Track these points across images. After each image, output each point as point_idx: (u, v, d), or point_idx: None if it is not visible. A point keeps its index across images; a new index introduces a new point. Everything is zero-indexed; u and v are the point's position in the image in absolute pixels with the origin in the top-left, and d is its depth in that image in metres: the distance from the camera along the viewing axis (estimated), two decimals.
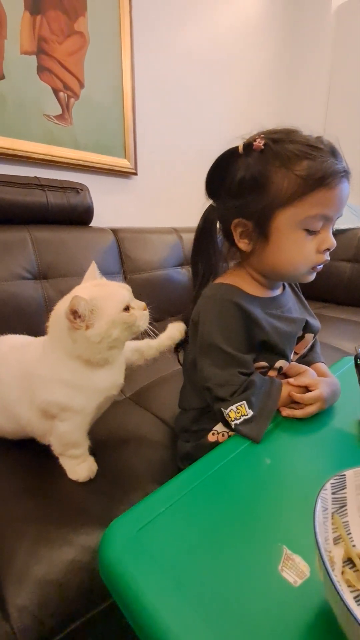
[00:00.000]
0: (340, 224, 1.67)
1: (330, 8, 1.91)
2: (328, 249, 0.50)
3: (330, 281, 1.65)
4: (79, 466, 0.58)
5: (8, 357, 0.60)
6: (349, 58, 1.92)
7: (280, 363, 0.56)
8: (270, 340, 0.52)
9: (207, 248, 0.59)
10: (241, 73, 1.85)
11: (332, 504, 0.28)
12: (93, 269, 0.60)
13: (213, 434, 0.55)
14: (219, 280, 0.57)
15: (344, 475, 0.29)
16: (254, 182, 0.48)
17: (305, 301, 0.66)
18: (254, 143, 0.47)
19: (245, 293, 0.54)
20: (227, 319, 0.51)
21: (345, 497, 0.29)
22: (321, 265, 0.52)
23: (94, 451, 0.61)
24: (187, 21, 1.55)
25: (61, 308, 0.52)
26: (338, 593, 0.20)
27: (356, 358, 0.50)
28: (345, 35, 1.92)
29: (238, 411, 0.48)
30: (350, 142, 2.00)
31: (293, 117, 2.20)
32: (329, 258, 0.51)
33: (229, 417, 0.48)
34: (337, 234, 1.78)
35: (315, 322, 0.62)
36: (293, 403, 0.53)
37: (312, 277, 0.54)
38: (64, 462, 0.59)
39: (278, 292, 0.60)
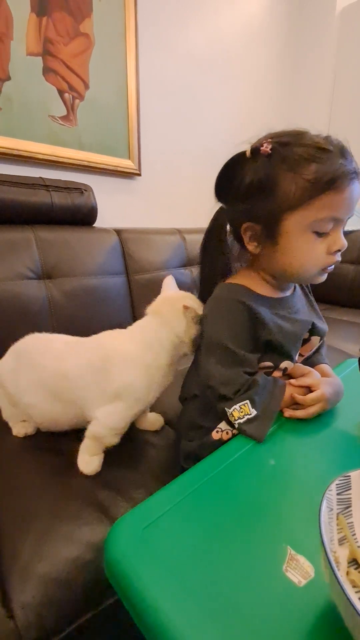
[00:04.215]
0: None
1: (335, 10, 1.91)
2: (339, 250, 0.50)
3: (333, 283, 1.64)
4: (93, 458, 0.61)
5: (75, 350, 0.64)
6: (353, 60, 1.92)
7: (285, 364, 0.56)
8: (275, 340, 0.52)
9: (215, 250, 0.59)
10: (245, 74, 1.85)
11: (337, 504, 0.28)
12: (171, 281, 0.71)
13: (217, 431, 0.55)
14: (228, 281, 0.57)
15: (349, 476, 0.29)
16: (261, 186, 0.48)
17: (315, 303, 0.66)
18: (261, 148, 0.47)
19: (253, 293, 0.54)
20: (233, 317, 0.52)
21: (350, 498, 0.29)
22: (332, 266, 0.52)
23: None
24: (192, 23, 1.55)
25: (174, 303, 0.60)
26: (345, 593, 0.20)
27: (359, 360, 0.50)
28: (350, 37, 1.92)
29: (242, 410, 0.48)
30: (355, 143, 1.99)
31: (297, 118, 2.20)
32: (339, 259, 0.51)
33: (233, 416, 0.48)
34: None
35: (322, 325, 0.62)
36: (295, 404, 0.53)
37: (323, 278, 0.54)
38: (84, 452, 0.61)
39: (288, 293, 0.60)
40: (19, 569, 0.44)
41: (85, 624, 0.44)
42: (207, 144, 1.70)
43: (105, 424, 0.59)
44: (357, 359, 0.52)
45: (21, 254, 0.96)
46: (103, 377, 0.59)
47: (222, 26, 1.68)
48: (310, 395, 0.51)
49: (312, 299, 0.66)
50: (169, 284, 0.70)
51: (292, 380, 0.55)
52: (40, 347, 0.66)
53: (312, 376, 0.56)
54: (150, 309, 0.64)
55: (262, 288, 0.55)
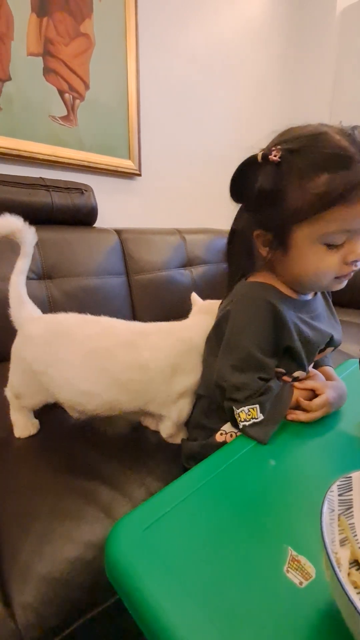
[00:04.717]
0: None
1: (335, 10, 1.91)
2: (356, 260, 0.46)
3: None
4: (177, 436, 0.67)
5: (154, 342, 0.63)
6: (354, 61, 1.92)
7: (298, 373, 0.55)
8: (295, 347, 0.51)
9: (240, 249, 0.55)
10: (245, 75, 1.85)
11: (339, 505, 0.28)
12: (195, 298, 0.75)
13: (221, 434, 0.55)
14: (253, 279, 0.54)
15: (350, 477, 0.29)
16: (270, 194, 0.45)
17: (334, 309, 0.64)
18: (270, 156, 0.44)
19: (280, 292, 0.52)
20: (260, 319, 0.50)
21: (352, 499, 0.29)
22: (351, 273, 0.49)
23: (99, 449, 0.61)
24: (192, 23, 1.55)
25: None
26: (346, 594, 0.20)
27: None
28: (350, 38, 1.92)
29: (249, 413, 0.47)
30: None
31: (298, 119, 2.19)
32: (358, 267, 0.48)
33: (239, 417, 0.48)
34: None
35: (338, 336, 0.60)
36: (299, 407, 0.52)
37: (342, 285, 0.51)
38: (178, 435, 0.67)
39: (310, 296, 0.58)
40: (19, 569, 0.44)
41: (86, 624, 0.44)
42: (208, 145, 1.70)
43: (179, 422, 0.64)
44: (357, 360, 0.52)
45: None
46: (179, 373, 0.61)
47: (222, 27, 1.68)
48: (315, 401, 0.51)
49: (331, 303, 0.64)
50: (197, 297, 0.75)
51: (296, 384, 0.54)
52: (98, 332, 0.62)
53: (316, 379, 0.56)
54: (198, 309, 0.69)
55: (285, 288, 0.53)
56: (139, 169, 1.45)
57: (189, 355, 0.62)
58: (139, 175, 1.46)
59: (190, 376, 0.62)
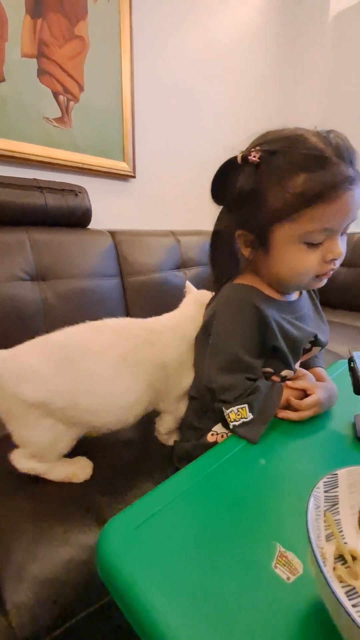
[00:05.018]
0: None
1: (329, 15, 1.94)
2: (334, 259, 0.48)
3: (325, 285, 1.66)
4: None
5: (167, 340, 0.63)
6: (346, 64, 1.95)
7: (285, 372, 0.56)
8: (280, 347, 0.52)
9: (223, 250, 0.56)
10: (239, 78, 1.87)
11: (325, 502, 0.29)
12: (190, 285, 0.79)
13: (212, 434, 0.56)
14: (237, 281, 0.56)
15: (336, 474, 0.30)
16: (251, 195, 0.46)
17: (320, 309, 0.65)
18: (249, 157, 0.45)
19: (263, 294, 0.53)
20: (245, 321, 0.51)
21: (337, 495, 0.30)
22: (330, 272, 0.51)
23: (92, 451, 0.61)
24: (187, 27, 1.56)
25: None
26: (329, 586, 0.21)
27: (350, 361, 0.51)
28: (343, 42, 1.95)
29: (239, 413, 0.48)
30: None
31: (291, 122, 2.21)
32: (336, 266, 0.50)
33: (229, 417, 0.49)
34: None
35: (324, 336, 0.61)
36: (290, 406, 0.53)
37: (321, 283, 0.53)
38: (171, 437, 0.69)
39: (294, 297, 0.59)
40: (13, 570, 0.44)
41: (78, 623, 0.44)
42: (202, 147, 1.71)
43: (175, 423, 0.66)
44: (347, 360, 0.53)
45: (15, 255, 0.96)
46: (186, 369, 0.64)
47: (216, 30, 1.69)
48: (306, 400, 0.52)
49: (318, 303, 0.65)
50: (191, 286, 0.79)
51: (288, 383, 0.55)
52: (116, 338, 0.58)
53: (307, 379, 0.57)
54: (193, 298, 0.72)
55: (269, 290, 0.54)
56: (133, 171, 1.45)
57: (192, 352, 0.65)
58: (133, 177, 1.47)
59: (192, 371, 0.65)
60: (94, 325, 0.60)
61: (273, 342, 0.51)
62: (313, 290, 0.65)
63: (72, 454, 0.59)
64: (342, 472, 0.30)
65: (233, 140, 0.48)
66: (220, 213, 0.55)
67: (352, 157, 0.43)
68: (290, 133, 0.46)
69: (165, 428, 0.67)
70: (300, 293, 0.61)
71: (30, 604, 0.41)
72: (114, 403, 0.55)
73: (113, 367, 0.55)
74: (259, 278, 0.55)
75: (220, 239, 0.56)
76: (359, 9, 1.89)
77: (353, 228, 1.68)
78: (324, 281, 0.53)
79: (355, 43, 1.91)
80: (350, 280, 1.60)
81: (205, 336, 0.58)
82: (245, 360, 0.50)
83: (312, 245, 0.47)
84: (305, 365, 0.64)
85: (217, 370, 0.52)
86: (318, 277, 0.51)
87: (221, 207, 0.55)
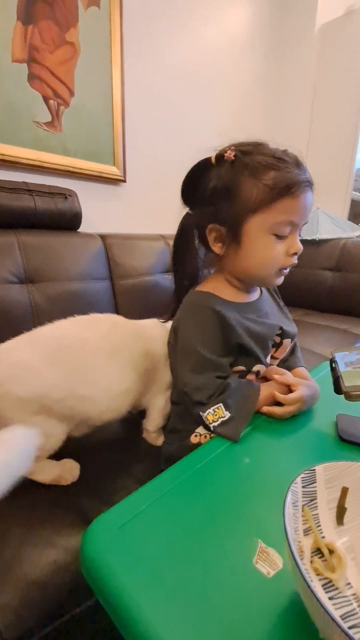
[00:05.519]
0: (323, 234, 1.72)
1: (315, 27, 1.99)
2: (295, 253, 0.53)
3: (313, 289, 1.70)
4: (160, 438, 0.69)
5: (151, 332, 0.65)
6: (332, 74, 2.00)
7: (257, 367, 0.58)
8: (245, 344, 0.55)
9: (185, 256, 0.61)
10: (228, 87, 1.90)
11: (303, 497, 0.30)
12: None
13: (195, 435, 0.57)
14: (197, 288, 0.59)
15: (314, 470, 0.31)
16: (225, 190, 0.51)
17: (284, 306, 0.69)
18: (225, 154, 0.51)
19: (221, 299, 0.56)
20: (204, 323, 0.54)
21: (316, 490, 0.31)
22: (287, 269, 0.55)
23: (78, 453, 0.61)
24: (177, 36, 1.59)
25: None
26: (303, 576, 0.22)
27: (331, 361, 0.52)
28: (329, 53, 2.00)
29: (215, 413, 0.49)
30: (334, 154, 2.08)
31: (278, 130, 2.27)
32: (296, 261, 0.55)
33: (207, 419, 0.50)
34: (321, 243, 1.81)
35: (290, 328, 0.65)
36: (275, 403, 0.54)
37: (280, 280, 0.57)
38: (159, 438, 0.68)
39: (255, 297, 0.62)
40: None
41: (65, 625, 0.44)
42: (191, 152, 1.71)
43: (165, 412, 0.66)
44: (329, 361, 0.55)
45: (4, 258, 0.96)
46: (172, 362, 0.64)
47: (206, 39, 1.72)
48: (291, 395, 0.54)
49: (281, 302, 0.69)
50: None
51: (275, 377, 0.57)
52: (108, 329, 0.61)
53: (287, 378, 0.58)
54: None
55: (229, 294, 0.57)
56: (124, 175, 1.47)
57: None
58: (124, 181, 1.48)
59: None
60: (83, 318, 0.62)
61: (237, 340, 0.54)
62: (274, 290, 0.69)
63: (59, 456, 0.59)
64: (319, 468, 0.31)
65: (221, 147, 0.52)
66: (186, 214, 0.59)
67: (305, 167, 0.52)
68: (255, 142, 0.53)
69: (154, 426, 0.67)
70: (261, 292, 0.64)
71: (16, 605, 0.41)
72: (110, 389, 0.57)
73: (106, 357, 0.57)
74: (219, 283, 0.59)
75: (184, 238, 0.60)
76: (343, 20, 1.94)
77: (339, 234, 1.70)
78: (282, 279, 0.57)
79: (340, 53, 1.96)
80: (337, 285, 1.63)
81: (175, 342, 0.60)
82: (210, 358, 0.52)
83: (279, 237, 0.52)
84: (287, 367, 0.65)
85: (187, 372, 0.54)
86: (280, 271, 0.55)
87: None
